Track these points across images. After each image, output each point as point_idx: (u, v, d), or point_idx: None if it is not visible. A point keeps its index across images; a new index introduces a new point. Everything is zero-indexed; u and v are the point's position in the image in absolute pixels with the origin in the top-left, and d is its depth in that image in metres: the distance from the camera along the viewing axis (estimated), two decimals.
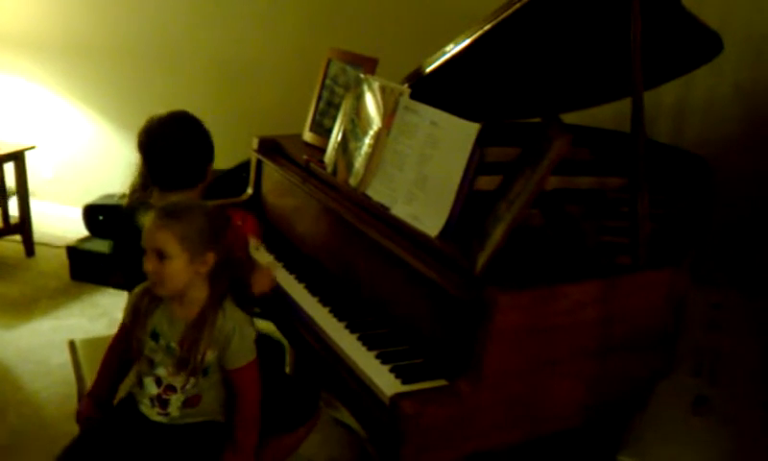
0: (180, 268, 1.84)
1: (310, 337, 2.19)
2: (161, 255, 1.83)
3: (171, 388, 1.91)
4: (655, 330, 2.07)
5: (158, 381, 1.92)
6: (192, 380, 1.91)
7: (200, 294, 1.90)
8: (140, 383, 1.97)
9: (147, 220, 1.86)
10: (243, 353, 1.91)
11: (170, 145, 2.27)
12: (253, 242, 2.39)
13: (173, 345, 1.90)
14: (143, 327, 1.95)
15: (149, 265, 1.85)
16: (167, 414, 1.94)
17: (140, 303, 1.97)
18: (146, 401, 1.96)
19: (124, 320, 2.03)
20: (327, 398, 2.37)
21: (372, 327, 2.12)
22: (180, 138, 2.29)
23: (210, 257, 1.88)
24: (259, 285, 2.26)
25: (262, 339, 2.43)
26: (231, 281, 1.94)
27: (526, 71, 2.54)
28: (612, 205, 2.32)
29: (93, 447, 1.96)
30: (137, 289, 1.99)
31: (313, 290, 2.34)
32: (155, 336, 1.94)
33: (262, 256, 2.47)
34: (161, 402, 1.93)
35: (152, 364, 1.94)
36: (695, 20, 2.35)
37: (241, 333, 1.90)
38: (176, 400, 1.92)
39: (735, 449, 2.13)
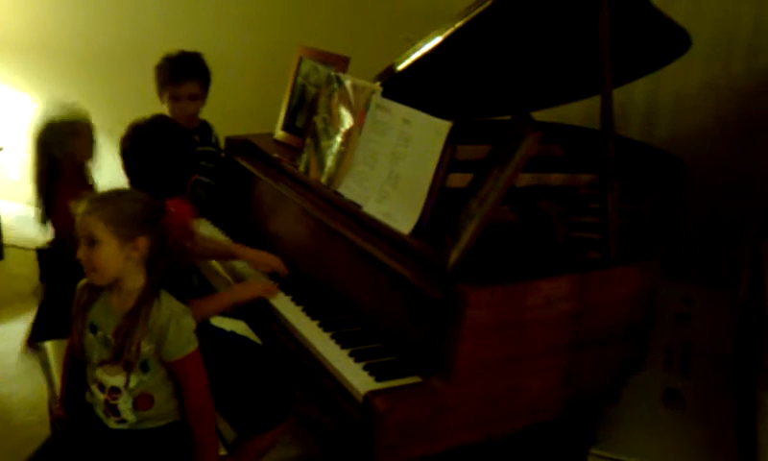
0: (110, 253, 1.82)
1: (283, 336, 2.19)
2: (91, 242, 1.82)
3: (115, 390, 1.89)
4: (626, 324, 2.08)
5: (101, 386, 1.91)
6: (134, 379, 1.89)
7: (136, 284, 1.88)
8: (91, 392, 1.95)
9: (78, 208, 1.85)
10: (181, 345, 1.88)
11: (154, 153, 2.23)
12: (193, 226, 2.37)
13: (108, 336, 1.88)
14: (83, 320, 1.94)
15: (80, 253, 1.85)
16: (124, 421, 1.91)
17: (81, 298, 1.96)
18: (100, 413, 1.94)
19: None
20: (301, 396, 2.36)
21: (345, 325, 2.12)
22: (165, 145, 2.25)
23: (142, 243, 1.86)
24: (245, 292, 2.29)
25: (238, 340, 2.44)
26: (168, 271, 1.92)
27: (497, 69, 2.55)
28: (584, 201, 2.33)
29: (61, 453, 1.95)
30: (80, 284, 1.97)
31: (286, 289, 2.33)
32: (93, 329, 1.92)
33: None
34: (112, 410, 1.90)
35: (91, 363, 1.92)
36: (663, 17, 2.38)
37: (177, 324, 1.87)
38: (124, 403, 1.90)
39: (706, 441, 2.15)
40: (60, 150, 2.63)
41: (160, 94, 3.00)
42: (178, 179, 2.24)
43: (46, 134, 2.66)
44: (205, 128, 3.06)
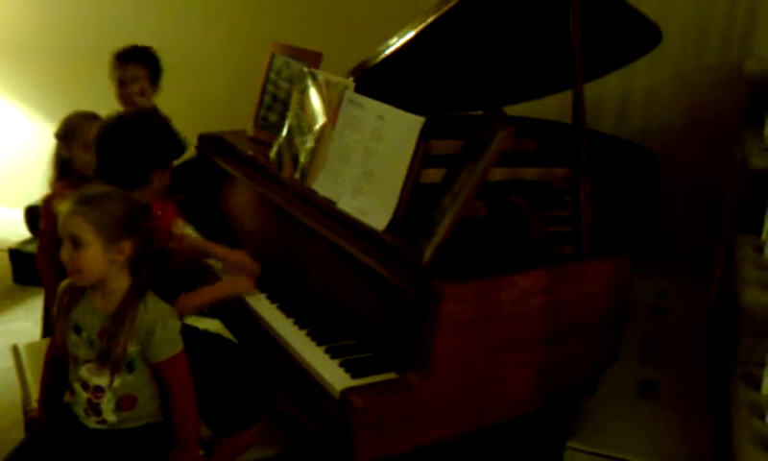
0: (94, 255, 1.82)
1: (259, 334, 2.18)
2: (76, 243, 1.81)
3: (99, 389, 1.88)
4: (600, 317, 2.10)
5: (85, 385, 1.89)
6: (118, 379, 1.88)
7: (120, 285, 1.88)
8: (72, 391, 1.94)
9: (63, 207, 1.83)
10: (167, 345, 1.89)
11: (125, 142, 2.22)
12: (177, 227, 2.37)
13: (93, 337, 1.87)
14: (66, 321, 1.93)
15: (65, 254, 1.84)
16: (104, 421, 1.90)
17: (63, 299, 1.95)
18: (81, 412, 1.92)
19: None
20: (278, 394, 2.35)
21: (321, 322, 2.12)
22: (136, 136, 2.25)
23: (127, 246, 1.85)
24: (225, 289, 2.29)
25: (213, 339, 2.42)
26: (153, 272, 1.92)
27: (469, 64, 2.55)
28: (559, 195, 2.34)
29: (37, 454, 1.93)
30: (62, 285, 1.96)
31: (261, 287, 2.32)
32: (77, 329, 1.91)
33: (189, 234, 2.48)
34: (93, 409, 1.90)
35: (76, 362, 1.91)
36: (634, 11, 2.39)
37: (164, 325, 1.88)
38: (107, 403, 1.89)
39: (681, 432, 2.17)
40: (67, 150, 2.65)
41: (113, 84, 3.20)
42: (141, 168, 2.22)
43: (60, 130, 2.70)
44: (157, 112, 3.14)
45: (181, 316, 2.23)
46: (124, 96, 3.16)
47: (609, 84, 3.16)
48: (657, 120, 3.32)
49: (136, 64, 3.16)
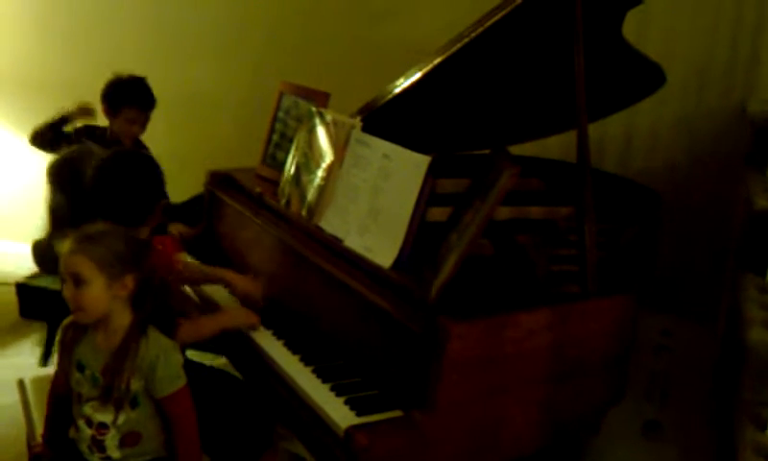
0: (97, 292, 1.82)
1: (264, 371, 2.18)
2: (78, 281, 1.82)
3: (103, 426, 1.88)
4: (605, 356, 2.10)
5: (89, 422, 1.90)
6: (123, 416, 1.88)
7: (122, 321, 1.88)
8: (76, 428, 1.94)
9: (64, 247, 1.84)
10: (170, 380, 1.88)
11: (120, 181, 2.23)
12: (179, 261, 2.38)
13: (97, 375, 1.88)
14: (69, 358, 1.93)
15: (67, 292, 1.84)
16: (109, 458, 1.90)
17: (66, 336, 1.95)
18: (85, 448, 1.92)
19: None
20: (282, 431, 2.35)
21: (326, 359, 2.12)
22: (131, 174, 2.25)
23: (129, 281, 1.86)
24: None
25: (218, 374, 2.43)
26: (155, 307, 1.92)
27: (476, 104, 2.58)
28: (563, 234, 2.36)
29: None
30: (65, 322, 1.97)
31: (267, 323, 2.33)
32: (80, 367, 1.91)
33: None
34: (98, 445, 1.89)
35: (80, 400, 1.91)
36: (638, 54, 2.42)
37: (166, 360, 1.88)
38: (111, 440, 1.89)
39: None
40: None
41: (111, 112, 3.22)
42: (146, 205, 2.22)
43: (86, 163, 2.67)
44: (140, 143, 3.25)
45: (184, 346, 2.23)
46: (133, 131, 3.20)
47: (612, 124, 3.18)
48: (660, 160, 3.34)
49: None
